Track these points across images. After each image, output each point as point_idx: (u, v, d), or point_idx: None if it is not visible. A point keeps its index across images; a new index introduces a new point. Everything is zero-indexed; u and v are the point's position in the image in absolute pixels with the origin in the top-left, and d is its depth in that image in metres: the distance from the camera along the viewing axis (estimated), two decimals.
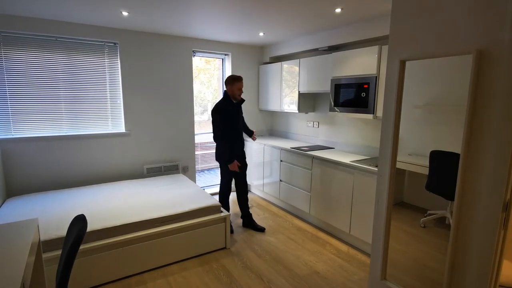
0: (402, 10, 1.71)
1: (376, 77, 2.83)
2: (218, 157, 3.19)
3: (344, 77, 3.16)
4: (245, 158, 3.32)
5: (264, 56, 4.64)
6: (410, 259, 1.86)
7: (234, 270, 2.57)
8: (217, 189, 4.67)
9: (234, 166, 3.09)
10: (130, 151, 3.73)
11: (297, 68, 3.85)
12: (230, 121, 3.05)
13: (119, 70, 3.55)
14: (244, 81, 4.60)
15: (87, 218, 1.41)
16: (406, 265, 1.88)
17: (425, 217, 1.81)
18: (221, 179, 3.35)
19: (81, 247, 2.21)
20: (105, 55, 3.45)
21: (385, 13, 2.79)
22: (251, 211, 3.92)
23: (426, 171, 1.76)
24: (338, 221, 3.11)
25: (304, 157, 3.48)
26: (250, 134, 3.51)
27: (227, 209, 3.35)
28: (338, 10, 2.70)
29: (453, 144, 1.56)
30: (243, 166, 3.29)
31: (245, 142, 3.40)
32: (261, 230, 3.32)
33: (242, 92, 3.11)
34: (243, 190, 3.36)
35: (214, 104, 3.09)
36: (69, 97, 3.31)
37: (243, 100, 3.20)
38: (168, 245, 2.59)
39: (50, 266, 2.08)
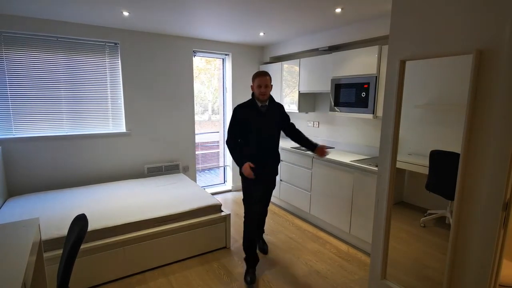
0: (402, 10, 1.71)
1: (376, 77, 2.83)
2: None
3: (344, 77, 3.16)
4: (270, 177, 2.60)
5: (264, 56, 4.64)
6: (410, 258, 1.87)
7: (234, 269, 2.58)
8: (217, 188, 4.67)
9: (246, 169, 2.33)
10: (130, 151, 3.74)
11: (297, 68, 3.85)
12: (246, 127, 2.39)
13: (120, 70, 3.55)
14: (244, 81, 4.59)
15: (88, 217, 1.41)
16: (406, 264, 1.88)
17: (425, 216, 1.81)
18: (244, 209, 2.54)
19: (82, 246, 2.21)
20: (106, 55, 3.46)
21: (385, 13, 2.79)
22: None
23: (426, 171, 1.76)
24: (338, 221, 3.11)
25: (305, 156, 3.48)
26: (311, 147, 2.56)
27: (255, 259, 2.50)
28: (338, 10, 2.70)
29: (453, 143, 1.57)
30: (264, 184, 2.56)
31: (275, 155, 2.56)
32: (263, 250, 2.87)
33: (265, 91, 2.33)
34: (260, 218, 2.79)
35: (238, 105, 2.51)
36: (70, 97, 3.31)
37: (273, 102, 2.48)
38: (169, 245, 2.60)
39: (51, 266, 2.09)
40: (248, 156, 2.40)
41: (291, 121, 2.64)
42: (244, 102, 2.45)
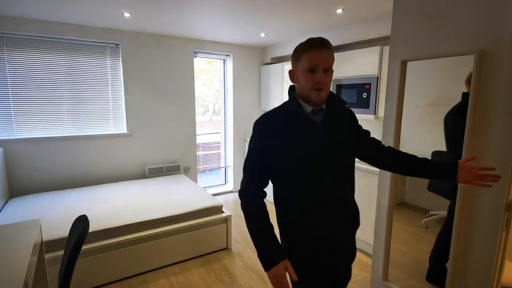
0: (403, 10, 1.71)
1: (378, 77, 2.83)
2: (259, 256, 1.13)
3: (346, 78, 3.16)
4: (342, 267, 1.24)
5: (265, 57, 4.64)
6: (412, 259, 1.86)
7: (235, 270, 2.57)
8: (218, 189, 4.67)
9: (277, 277, 1.05)
10: (132, 152, 3.74)
11: None
12: (285, 158, 1.13)
13: (121, 71, 3.56)
14: (245, 82, 4.58)
15: (89, 218, 1.41)
16: (408, 265, 1.88)
17: (427, 217, 1.81)
18: None
19: (83, 247, 2.21)
20: (107, 56, 3.47)
21: (386, 14, 2.78)
22: None
23: None
24: None
25: None
26: (443, 170, 1.17)
27: None
28: (339, 11, 2.70)
29: None
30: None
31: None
32: None
33: (325, 81, 1.07)
34: None
35: (262, 115, 1.21)
36: (71, 98, 3.32)
37: (335, 102, 1.19)
38: (170, 246, 2.60)
39: (52, 267, 2.09)
40: (289, 225, 1.17)
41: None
42: (276, 108, 1.19)
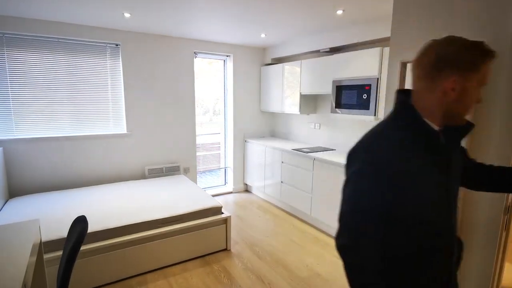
0: (403, 11, 1.71)
1: (378, 78, 2.83)
2: None
3: (346, 79, 3.16)
4: None
5: (265, 57, 4.64)
6: None
7: (234, 271, 2.57)
8: (218, 190, 4.67)
9: None
10: (131, 152, 3.74)
11: (298, 70, 3.85)
12: (430, 197, 0.85)
13: (121, 71, 3.56)
14: (246, 83, 4.59)
15: (88, 219, 1.41)
16: None
17: None
18: None
19: (82, 248, 2.21)
20: (107, 56, 3.47)
21: (386, 15, 2.78)
22: (252, 212, 3.91)
23: None
24: None
25: (305, 158, 3.47)
26: None
27: None
28: (339, 12, 2.70)
29: None
30: None
31: None
32: None
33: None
34: None
35: (364, 139, 0.89)
36: (71, 98, 3.32)
37: (467, 125, 0.88)
38: (169, 246, 2.59)
39: (51, 267, 2.09)
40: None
41: None
42: (389, 126, 0.90)
